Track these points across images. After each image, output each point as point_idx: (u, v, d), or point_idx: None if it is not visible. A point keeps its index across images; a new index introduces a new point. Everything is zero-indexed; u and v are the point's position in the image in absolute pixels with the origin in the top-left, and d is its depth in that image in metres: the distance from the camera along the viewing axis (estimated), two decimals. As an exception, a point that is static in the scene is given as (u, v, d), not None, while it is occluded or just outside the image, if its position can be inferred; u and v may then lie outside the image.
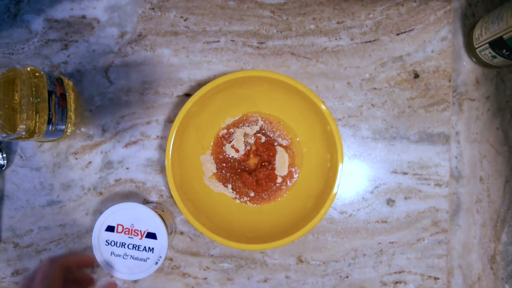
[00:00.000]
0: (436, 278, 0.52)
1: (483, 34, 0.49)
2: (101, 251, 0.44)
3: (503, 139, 0.54)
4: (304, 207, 0.49)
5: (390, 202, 0.52)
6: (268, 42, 0.53)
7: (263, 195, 0.51)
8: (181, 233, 0.52)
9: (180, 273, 0.52)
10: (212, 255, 0.52)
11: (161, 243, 0.44)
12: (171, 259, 0.52)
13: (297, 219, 0.48)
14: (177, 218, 0.52)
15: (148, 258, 0.44)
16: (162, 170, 0.53)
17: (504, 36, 0.45)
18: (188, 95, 0.53)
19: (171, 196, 0.52)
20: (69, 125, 0.51)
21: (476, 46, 0.51)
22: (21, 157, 0.53)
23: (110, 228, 0.44)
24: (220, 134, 0.52)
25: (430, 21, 0.53)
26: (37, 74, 0.46)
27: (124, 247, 0.44)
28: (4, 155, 0.52)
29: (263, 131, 0.52)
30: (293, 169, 0.52)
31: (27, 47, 0.53)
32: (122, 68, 0.53)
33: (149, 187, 0.53)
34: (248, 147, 0.52)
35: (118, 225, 0.44)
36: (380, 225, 0.52)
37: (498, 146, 0.53)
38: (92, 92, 0.53)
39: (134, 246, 0.44)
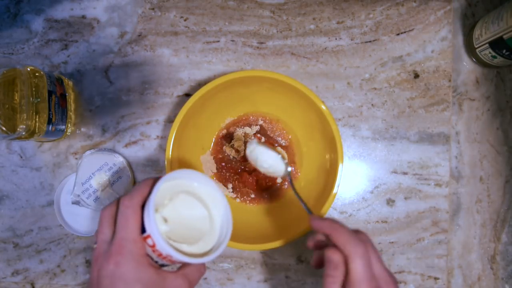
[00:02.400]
0: (436, 278, 0.52)
1: (483, 34, 0.49)
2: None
3: (503, 139, 0.53)
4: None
5: (390, 202, 0.52)
6: (268, 42, 0.53)
7: (263, 195, 0.51)
8: (181, 233, 0.52)
9: (180, 273, 0.52)
10: (212, 255, 0.52)
11: None
12: (171, 259, 0.52)
13: (297, 219, 0.48)
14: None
15: None
16: (162, 170, 0.53)
17: (504, 36, 0.45)
18: (188, 95, 0.53)
19: (171, 196, 0.52)
20: (69, 125, 0.51)
21: (476, 46, 0.51)
22: (21, 157, 0.53)
23: None
24: (220, 134, 0.52)
25: (430, 21, 0.53)
26: (37, 74, 0.46)
27: None
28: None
29: (263, 131, 0.52)
30: (293, 169, 0.51)
31: (27, 47, 0.53)
32: (122, 68, 0.53)
33: (149, 187, 0.53)
34: (248, 147, 0.52)
35: None
36: (380, 225, 0.52)
37: (498, 146, 0.53)
38: (92, 92, 0.53)
39: None
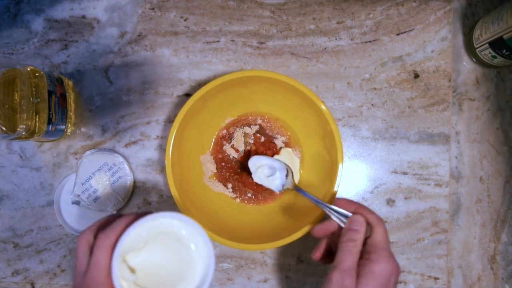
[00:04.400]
0: (436, 278, 0.52)
1: (483, 34, 0.49)
2: None
3: (503, 139, 0.53)
4: (304, 207, 0.49)
5: (390, 202, 0.52)
6: (268, 42, 0.53)
7: (263, 195, 0.51)
8: (181, 233, 0.52)
9: (180, 273, 0.52)
10: (212, 255, 0.52)
11: None
12: (171, 259, 0.52)
13: (297, 219, 0.48)
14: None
15: None
16: (162, 170, 0.53)
17: (504, 36, 0.45)
18: (188, 95, 0.53)
19: (171, 196, 0.52)
20: (69, 125, 0.51)
21: (476, 46, 0.51)
22: (21, 157, 0.53)
23: None
24: (220, 134, 0.52)
25: (430, 21, 0.53)
26: (37, 74, 0.46)
27: None
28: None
29: (262, 131, 0.52)
30: (293, 169, 0.52)
31: (27, 47, 0.53)
32: (122, 68, 0.53)
33: (149, 187, 0.53)
34: (248, 147, 0.52)
35: None
36: (380, 225, 0.52)
37: (498, 146, 0.53)
38: (92, 92, 0.53)
39: None
